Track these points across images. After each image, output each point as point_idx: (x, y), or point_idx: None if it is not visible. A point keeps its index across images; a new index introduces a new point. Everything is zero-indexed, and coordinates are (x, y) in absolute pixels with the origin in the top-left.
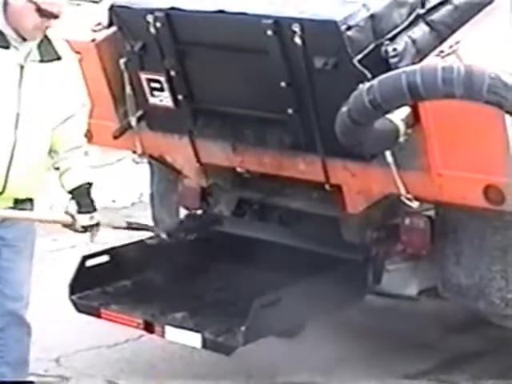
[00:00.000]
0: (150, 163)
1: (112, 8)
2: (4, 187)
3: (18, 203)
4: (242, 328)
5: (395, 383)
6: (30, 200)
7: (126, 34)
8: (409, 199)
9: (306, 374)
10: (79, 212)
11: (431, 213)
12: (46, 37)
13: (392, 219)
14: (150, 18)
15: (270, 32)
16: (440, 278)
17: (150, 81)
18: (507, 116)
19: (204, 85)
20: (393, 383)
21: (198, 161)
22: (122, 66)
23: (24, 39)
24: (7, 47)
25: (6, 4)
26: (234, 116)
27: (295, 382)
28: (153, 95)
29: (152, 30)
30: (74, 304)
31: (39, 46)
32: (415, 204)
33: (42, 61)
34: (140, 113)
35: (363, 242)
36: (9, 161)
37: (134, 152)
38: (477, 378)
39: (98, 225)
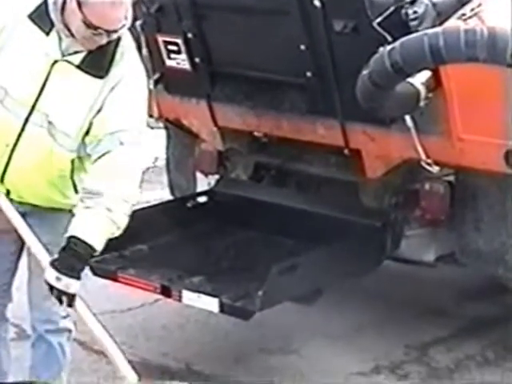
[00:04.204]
0: (166, 127)
1: None
2: (2, 178)
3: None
4: (260, 293)
5: (413, 350)
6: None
7: None
8: (429, 164)
9: (322, 340)
10: (51, 263)
11: (451, 178)
12: (104, 50)
13: (411, 184)
14: None
15: None
16: (458, 243)
17: (167, 43)
18: None
19: (222, 48)
20: (410, 350)
21: (216, 124)
22: (138, 29)
23: (74, 37)
24: (48, 33)
25: (64, 2)
26: (251, 79)
27: (310, 348)
28: (170, 58)
29: None
30: (91, 267)
31: (87, 54)
32: (435, 169)
33: (79, 68)
34: (157, 76)
35: (382, 207)
36: (9, 154)
37: (151, 116)
38: (493, 345)
39: (63, 293)
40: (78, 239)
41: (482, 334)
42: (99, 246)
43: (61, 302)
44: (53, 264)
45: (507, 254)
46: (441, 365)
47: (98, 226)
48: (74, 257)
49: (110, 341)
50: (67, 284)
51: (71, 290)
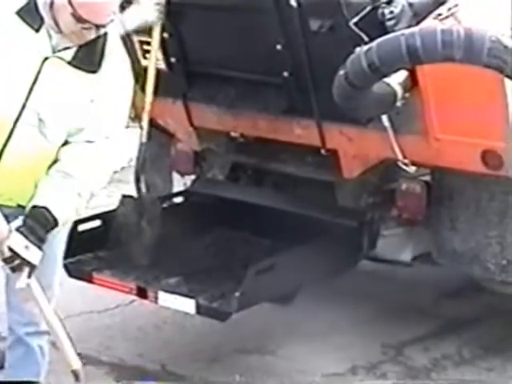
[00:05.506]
0: (141, 127)
1: None
2: None
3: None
4: (237, 294)
5: (390, 349)
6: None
7: None
8: (405, 164)
9: (299, 340)
10: (18, 229)
11: (428, 178)
12: (93, 45)
13: (388, 184)
14: None
15: None
16: (435, 243)
17: (142, 43)
18: (507, 80)
19: (198, 47)
20: (387, 349)
21: (192, 124)
22: None
23: (62, 32)
24: (37, 30)
25: None
26: (228, 79)
27: (287, 348)
28: (145, 58)
29: None
30: (66, 269)
31: (78, 50)
32: (412, 169)
33: (70, 64)
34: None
35: (358, 207)
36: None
37: None
38: (470, 344)
39: (26, 263)
40: (49, 211)
41: (459, 334)
42: (62, 225)
43: (13, 270)
44: (20, 231)
45: (482, 253)
46: (418, 364)
47: (67, 204)
48: (43, 228)
49: (60, 326)
50: (35, 254)
51: (35, 261)
